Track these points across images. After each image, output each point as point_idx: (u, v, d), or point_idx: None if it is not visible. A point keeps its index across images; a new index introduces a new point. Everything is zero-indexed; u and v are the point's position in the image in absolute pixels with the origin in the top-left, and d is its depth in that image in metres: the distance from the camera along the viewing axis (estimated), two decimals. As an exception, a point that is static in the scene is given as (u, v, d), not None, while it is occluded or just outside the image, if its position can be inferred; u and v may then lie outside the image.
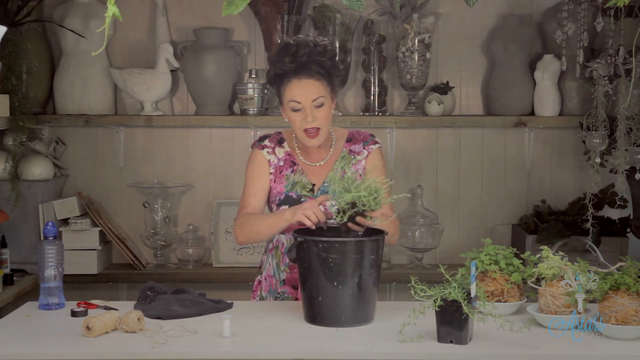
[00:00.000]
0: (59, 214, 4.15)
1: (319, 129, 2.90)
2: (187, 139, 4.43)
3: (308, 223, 2.67)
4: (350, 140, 3.05)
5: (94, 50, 4.17)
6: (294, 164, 3.01)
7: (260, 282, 3.08)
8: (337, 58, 2.97)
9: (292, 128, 2.96)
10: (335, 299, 2.58)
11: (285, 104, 2.92)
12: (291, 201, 2.95)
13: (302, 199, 2.93)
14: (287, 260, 2.96)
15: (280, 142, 3.04)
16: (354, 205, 2.57)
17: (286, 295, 3.00)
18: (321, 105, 2.88)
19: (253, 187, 3.00)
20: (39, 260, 2.82)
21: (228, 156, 4.43)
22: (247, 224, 2.93)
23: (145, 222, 4.33)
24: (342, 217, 2.59)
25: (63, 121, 4.25)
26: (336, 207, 2.61)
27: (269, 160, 3.01)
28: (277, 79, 2.92)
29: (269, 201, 3.03)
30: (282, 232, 2.97)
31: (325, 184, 2.97)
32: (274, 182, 3.00)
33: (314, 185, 2.98)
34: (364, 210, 2.58)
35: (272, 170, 3.00)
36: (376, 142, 3.05)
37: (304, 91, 2.87)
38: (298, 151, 3.03)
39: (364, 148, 3.03)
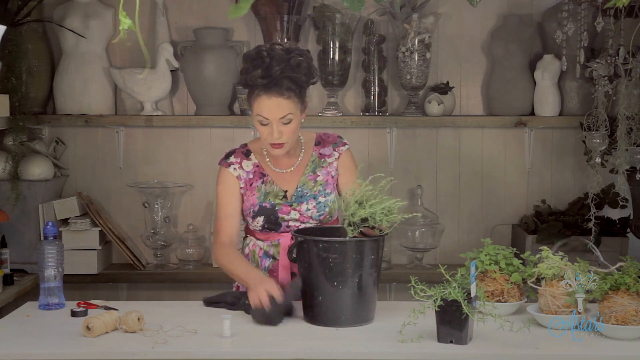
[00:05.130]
0: (59, 214, 4.14)
1: (284, 143, 2.89)
2: (187, 139, 4.42)
3: (253, 305, 2.67)
4: (318, 143, 3.04)
5: (94, 51, 4.20)
6: (264, 174, 2.98)
7: (238, 287, 3.06)
8: (312, 70, 2.88)
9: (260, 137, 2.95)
10: (335, 299, 2.58)
11: (253, 115, 2.89)
12: (266, 212, 2.94)
13: (276, 208, 2.93)
14: (266, 265, 2.96)
15: (247, 154, 3.01)
16: (365, 220, 2.59)
17: None
18: (289, 122, 2.86)
19: (226, 209, 2.97)
20: (39, 260, 2.82)
21: (228, 156, 4.41)
22: (225, 259, 2.90)
23: (145, 222, 4.32)
24: (353, 230, 2.60)
25: (63, 121, 4.25)
26: (347, 220, 2.62)
27: (237, 176, 2.98)
28: (247, 87, 2.89)
29: (243, 215, 3.01)
30: (260, 238, 2.97)
31: (299, 189, 2.96)
32: (245, 195, 2.98)
33: (286, 191, 2.96)
34: (373, 225, 2.60)
35: (242, 185, 2.98)
36: (345, 144, 3.05)
37: (273, 109, 2.82)
38: (268, 159, 3.00)
39: (334, 150, 3.02)
